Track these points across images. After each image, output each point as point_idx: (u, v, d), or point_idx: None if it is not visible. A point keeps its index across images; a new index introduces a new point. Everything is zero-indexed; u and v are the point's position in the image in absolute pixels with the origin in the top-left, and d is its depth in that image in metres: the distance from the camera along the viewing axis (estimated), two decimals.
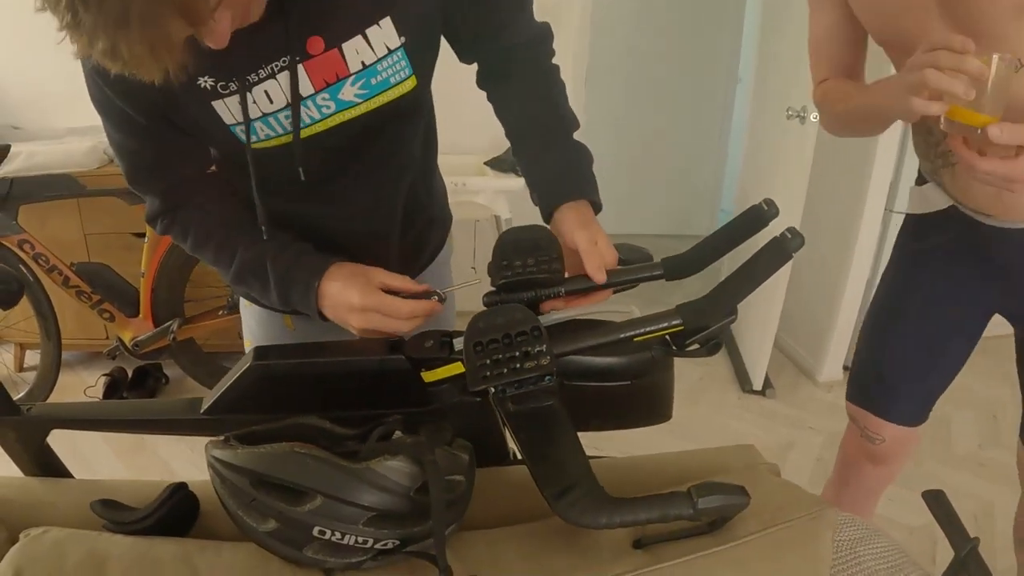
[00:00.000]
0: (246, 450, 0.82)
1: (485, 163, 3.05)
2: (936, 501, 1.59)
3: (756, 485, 1.00)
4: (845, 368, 3.55)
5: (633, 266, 1.03)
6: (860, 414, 1.64)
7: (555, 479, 0.81)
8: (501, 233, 1.04)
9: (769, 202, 0.96)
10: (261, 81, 0.99)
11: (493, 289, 1.00)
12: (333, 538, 0.79)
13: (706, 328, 0.91)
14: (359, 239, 1.19)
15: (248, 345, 1.41)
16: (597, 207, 1.10)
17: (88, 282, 2.83)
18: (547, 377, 0.85)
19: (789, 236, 0.86)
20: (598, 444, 2.66)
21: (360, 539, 0.79)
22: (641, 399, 1.05)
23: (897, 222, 3.20)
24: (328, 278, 1.06)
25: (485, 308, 0.96)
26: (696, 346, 0.94)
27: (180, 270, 2.87)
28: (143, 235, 2.83)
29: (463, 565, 0.83)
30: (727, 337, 3.81)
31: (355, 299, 1.02)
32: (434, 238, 1.40)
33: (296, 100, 1.01)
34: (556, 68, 1.22)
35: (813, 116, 2.76)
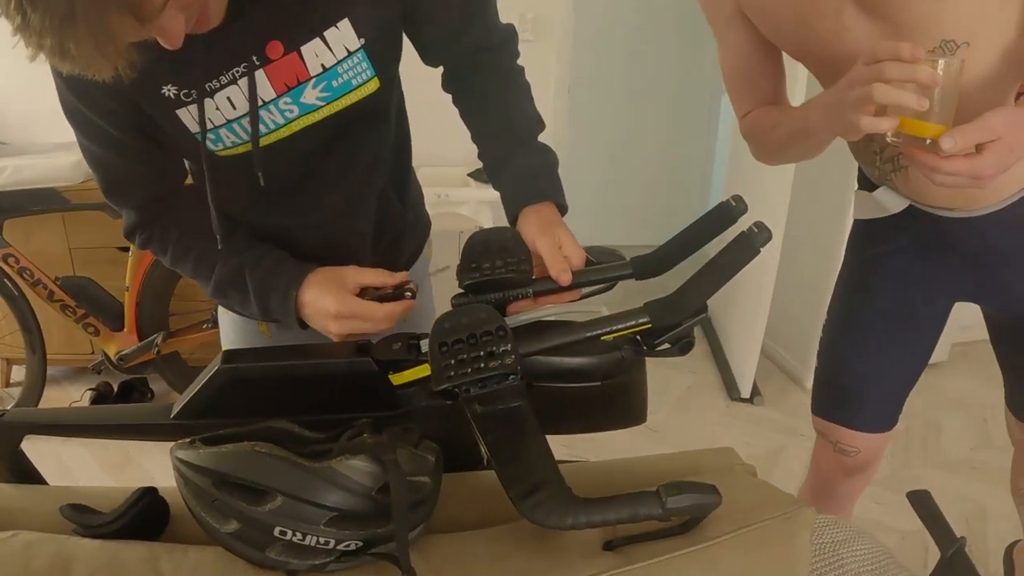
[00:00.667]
0: (208, 450, 0.81)
1: (468, 175, 3.05)
2: (921, 502, 1.58)
3: (730, 485, 0.98)
4: None
5: (602, 265, 1.02)
6: (830, 428, 1.59)
7: (521, 480, 0.80)
8: (470, 235, 1.04)
9: (737, 198, 0.96)
10: (223, 87, 0.99)
11: (461, 291, 1.00)
12: (295, 539, 0.78)
13: (675, 326, 0.90)
14: (329, 248, 1.19)
15: None
16: (563, 209, 1.10)
17: (73, 296, 2.82)
18: (511, 377, 0.85)
19: (756, 231, 0.85)
20: (581, 450, 2.66)
21: (322, 540, 0.78)
22: (613, 400, 1.04)
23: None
24: (305, 286, 1.06)
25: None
26: (667, 345, 0.94)
27: (164, 284, 2.86)
28: (128, 249, 2.82)
29: (429, 566, 0.82)
30: (714, 345, 3.80)
31: (331, 306, 1.03)
32: (409, 246, 1.39)
33: (254, 105, 1.01)
34: (521, 70, 1.22)
35: None
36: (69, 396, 3.16)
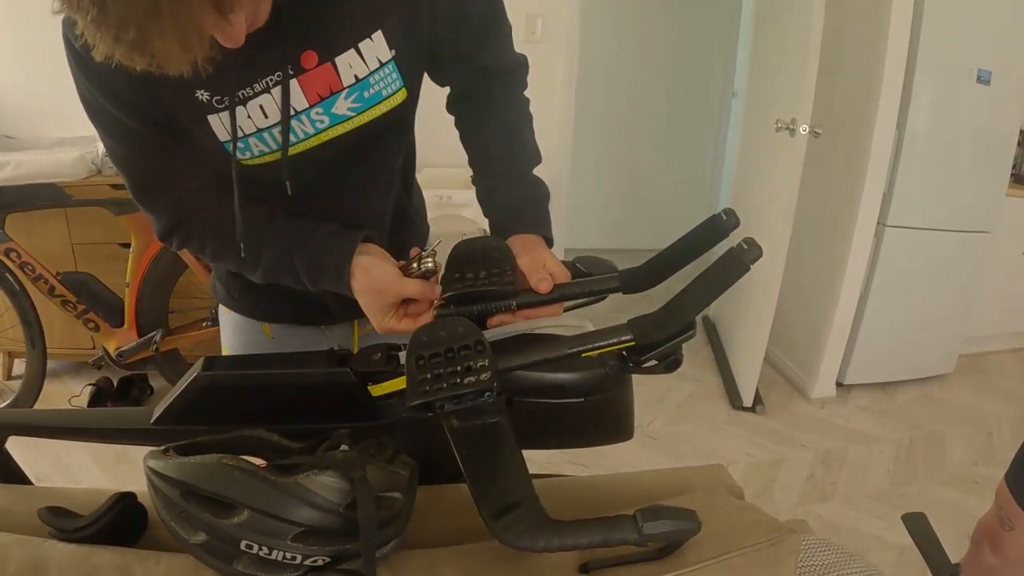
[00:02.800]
0: (176, 460, 0.80)
1: (471, 177, 3.03)
2: (916, 524, 1.55)
3: (714, 508, 0.96)
4: (838, 384, 3.52)
5: (587, 279, 1.00)
6: (1005, 494, 1.55)
7: (494, 499, 0.78)
8: (455, 244, 1.02)
9: (729, 212, 0.93)
10: (256, 95, 0.99)
11: (443, 302, 0.98)
12: (261, 553, 0.76)
13: (659, 343, 0.88)
14: None
15: (225, 353, 1.40)
16: (549, 243, 1.10)
17: (73, 292, 2.83)
18: (487, 393, 0.83)
19: (745, 247, 0.83)
20: (579, 456, 2.64)
21: (288, 555, 0.76)
22: (597, 416, 1.01)
23: (891, 236, 3.20)
24: (356, 289, 1.04)
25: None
26: (654, 362, 0.91)
27: (165, 281, 2.87)
28: (128, 245, 2.83)
29: None
30: (717, 352, 3.78)
31: (381, 324, 1.02)
32: (412, 247, 1.39)
33: (287, 114, 1.00)
34: (526, 101, 1.22)
35: (803, 128, 2.74)
36: (69, 391, 3.17)
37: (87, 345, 3.10)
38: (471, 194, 2.94)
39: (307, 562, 0.78)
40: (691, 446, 3.01)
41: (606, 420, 1.03)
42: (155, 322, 2.90)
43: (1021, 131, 3.53)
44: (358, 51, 1.00)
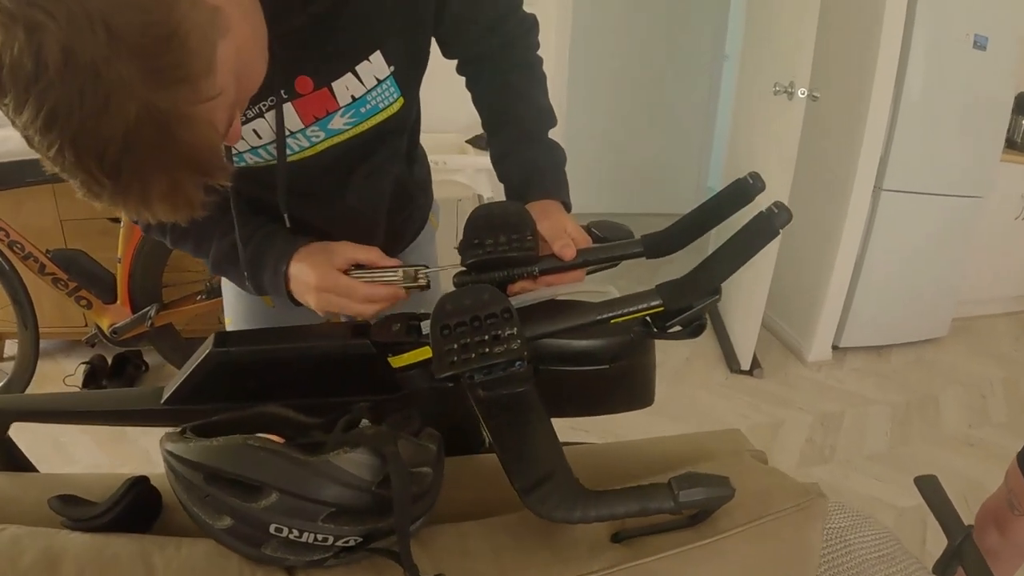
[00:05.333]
0: (198, 443, 0.77)
1: (467, 141, 2.99)
2: (929, 487, 1.55)
3: (741, 474, 0.95)
4: (834, 348, 3.53)
5: (610, 243, 0.98)
6: (1016, 476, 1.54)
7: (526, 471, 0.76)
8: (473, 209, 0.99)
9: (754, 175, 0.91)
10: (249, 120, 0.97)
11: (463, 268, 0.95)
12: (291, 536, 0.74)
13: (688, 308, 0.86)
14: (344, 229, 1.16)
15: (228, 323, 1.39)
16: (567, 208, 1.08)
17: (64, 269, 2.77)
18: (517, 363, 0.81)
19: (776, 211, 0.81)
20: (583, 424, 2.64)
21: (320, 536, 0.74)
22: (620, 383, 1.00)
23: (887, 200, 3.20)
24: (294, 260, 1.03)
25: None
26: (678, 328, 0.90)
27: (157, 255, 2.82)
28: (119, 220, 2.77)
29: (430, 560, 0.79)
30: (714, 316, 3.78)
31: (312, 279, 1.00)
32: (418, 217, 1.38)
33: (281, 138, 0.98)
34: (539, 61, 1.19)
35: (801, 92, 2.72)
36: (63, 370, 3.12)
37: (79, 322, 3.06)
38: (465, 159, 2.90)
39: (339, 543, 0.76)
40: (690, 409, 3.01)
41: (629, 387, 1.02)
42: (149, 297, 2.86)
43: (1015, 97, 3.52)
44: (355, 73, 0.98)
